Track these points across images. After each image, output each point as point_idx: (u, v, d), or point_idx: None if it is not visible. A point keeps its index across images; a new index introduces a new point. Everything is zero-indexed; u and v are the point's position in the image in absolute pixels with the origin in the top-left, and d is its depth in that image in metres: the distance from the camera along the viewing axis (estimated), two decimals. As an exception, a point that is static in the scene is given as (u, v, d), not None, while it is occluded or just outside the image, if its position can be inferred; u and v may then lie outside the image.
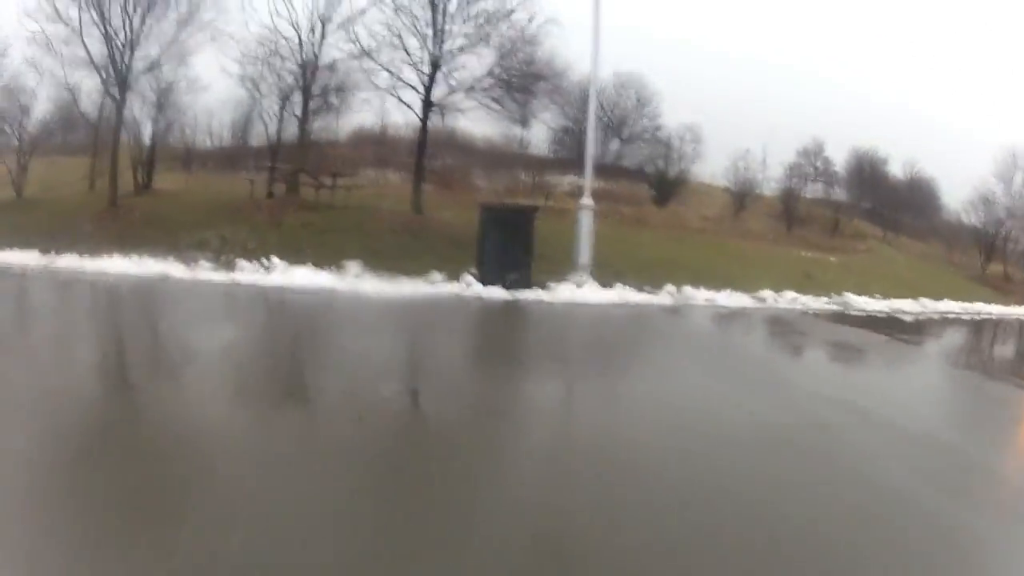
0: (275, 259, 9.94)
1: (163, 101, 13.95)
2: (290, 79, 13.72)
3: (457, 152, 17.55)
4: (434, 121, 13.62)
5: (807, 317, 10.34)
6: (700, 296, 10.61)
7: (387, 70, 12.94)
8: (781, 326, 9.50)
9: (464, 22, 12.76)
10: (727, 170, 19.12)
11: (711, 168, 19.25)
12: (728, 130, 18.66)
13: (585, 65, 13.22)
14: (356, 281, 9.36)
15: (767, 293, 11.41)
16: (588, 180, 10.55)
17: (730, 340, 8.37)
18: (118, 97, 12.67)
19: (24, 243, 10.65)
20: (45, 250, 10.34)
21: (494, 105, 13.32)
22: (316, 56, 13.58)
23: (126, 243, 10.49)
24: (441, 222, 12.53)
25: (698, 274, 11.71)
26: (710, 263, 12.92)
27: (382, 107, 15.27)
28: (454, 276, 9.94)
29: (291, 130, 14.58)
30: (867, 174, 21.66)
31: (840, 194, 21.80)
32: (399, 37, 12.68)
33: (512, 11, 12.54)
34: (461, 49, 12.83)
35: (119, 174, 13.05)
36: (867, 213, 22.06)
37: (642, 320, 8.99)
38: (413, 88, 12.91)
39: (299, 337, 6.86)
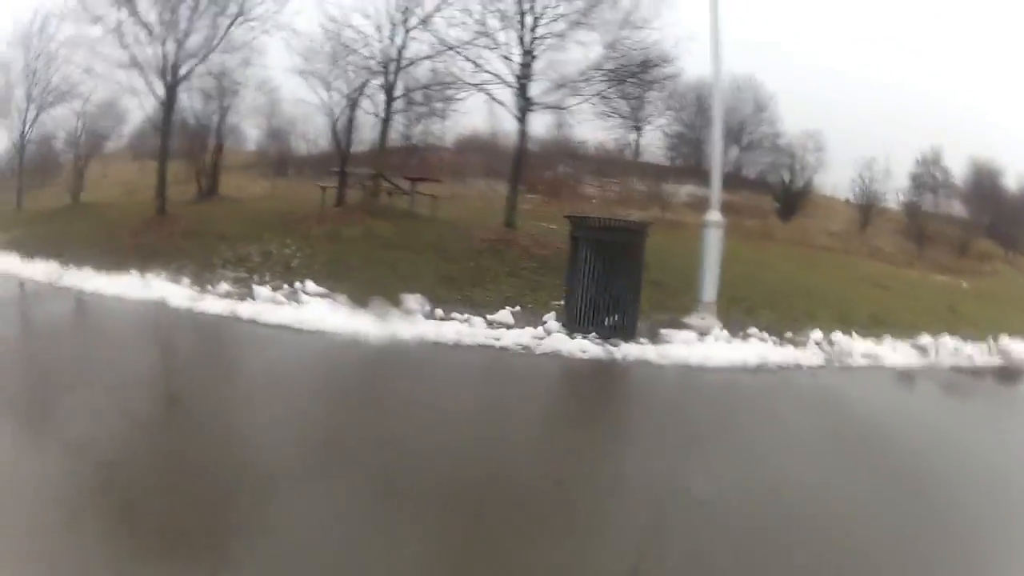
0: (309, 284, 7.04)
1: (227, 103, 11.41)
2: (364, 77, 10.81)
3: (567, 160, 14.55)
4: (540, 124, 10.93)
5: (993, 383, 6.75)
6: (856, 349, 6.90)
7: (470, 60, 9.95)
8: (985, 407, 5.97)
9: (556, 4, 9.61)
10: (853, 182, 15.19)
11: (831, 178, 15.36)
12: (843, 138, 14.76)
13: (697, 67, 10.09)
14: (391, 320, 6.20)
15: (926, 340, 7.64)
16: (716, 190, 6.77)
17: (947, 463, 3.78)
18: (164, 98, 10.18)
19: (54, 253, 8.39)
20: (66, 262, 7.94)
21: (601, 104, 10.18)
22: (399, 52, 10.69)
23: (155, 257, 8.06)
24: (534, 239, 9.46)
25: (842, 310, 8.38)
26: (850, 292, 9.72)
27: (490, 112, 12.12)
28: (539, 310, 6.78)
29: (390, 135, 11.74)
30: (987, 188, 17.21)
31: (958, 207, 17.55)
32: (482, 23, 9.69)
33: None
34: (559, 36, 9.70)
35: (183, 180, 10.67)
36: (986, 229, 17.67)
37: (796, 403, 5.18)
38: (504, 82, 9.90)
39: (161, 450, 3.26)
